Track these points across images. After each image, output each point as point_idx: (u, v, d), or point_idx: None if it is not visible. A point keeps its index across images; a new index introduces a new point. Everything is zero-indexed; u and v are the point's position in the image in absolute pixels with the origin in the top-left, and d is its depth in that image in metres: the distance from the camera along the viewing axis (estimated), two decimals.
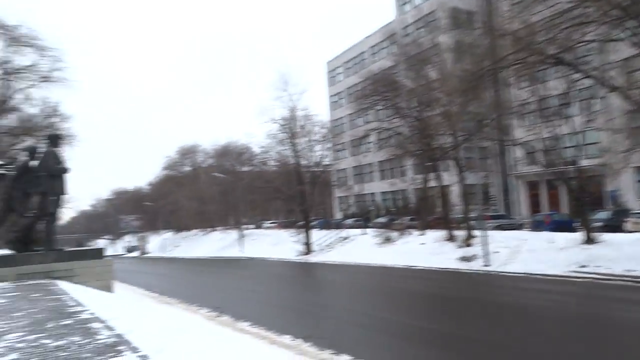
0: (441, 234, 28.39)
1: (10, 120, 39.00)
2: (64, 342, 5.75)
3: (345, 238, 38.46)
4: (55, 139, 13.14)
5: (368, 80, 34.10)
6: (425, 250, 27.09)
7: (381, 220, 42.80)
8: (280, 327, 11.29)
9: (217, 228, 72.84)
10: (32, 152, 13.37)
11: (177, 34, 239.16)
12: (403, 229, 33.37)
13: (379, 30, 53.88)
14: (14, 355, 5.23)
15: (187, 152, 75.06)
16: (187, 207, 73.05)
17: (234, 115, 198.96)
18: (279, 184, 38.62)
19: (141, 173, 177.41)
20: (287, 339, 10.31)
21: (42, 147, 13.46)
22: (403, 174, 49.60)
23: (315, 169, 40.43)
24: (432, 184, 32.99)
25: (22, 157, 13.48)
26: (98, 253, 13.52)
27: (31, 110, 39.37)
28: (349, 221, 48.88)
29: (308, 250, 37.63)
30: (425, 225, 32.67)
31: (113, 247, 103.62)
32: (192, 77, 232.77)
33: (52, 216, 12.88)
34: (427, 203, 36.26)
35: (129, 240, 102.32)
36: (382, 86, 32.06)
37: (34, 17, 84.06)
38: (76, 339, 5.87)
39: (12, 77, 34.32)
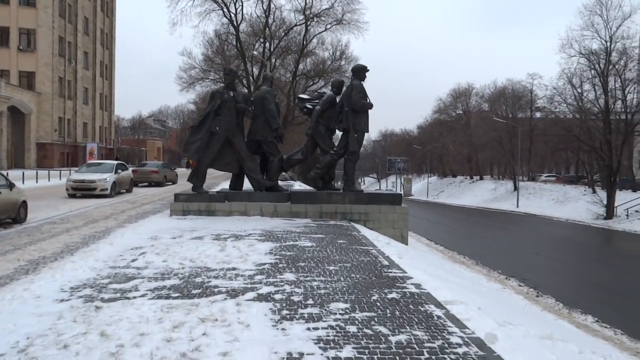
0: None
1: (306, 64, 42.85)
2: (405, 337, 4.08)
3: None
4: (360, 72, 12.07)
5: None
6: None
7: None
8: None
9: (485, 177, 68.58)
10: (338, 86, 12.74)
11: None
12: None
13: None
14: (349, 350, 3.77)
15: (460, 95, 71.18)
16: (455, 152, 70.54)
17: (518, 54, 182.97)
18: (578, 133, 32.06)
19: (410, 116, 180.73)
20: None
21: (347, 81, 12.69)
22: None
23: (629, 116, 31.97)
24: None
25: (328, 91, 12.99)
26: (397, 199, 12.35)
27: (322, 53, 42.36)
28: None
29: (610, 214, 30.75)
30: None
31: (377, 187, 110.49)
32: (467, 13, 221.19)
33: (354, 155, 12.14)
34: None
35: (393, 181, 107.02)
36: None
37: None
38: (419, 334, 4.15)
39: (310, 23, 37.00)
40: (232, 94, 11.96)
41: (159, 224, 10.26)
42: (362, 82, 12.07)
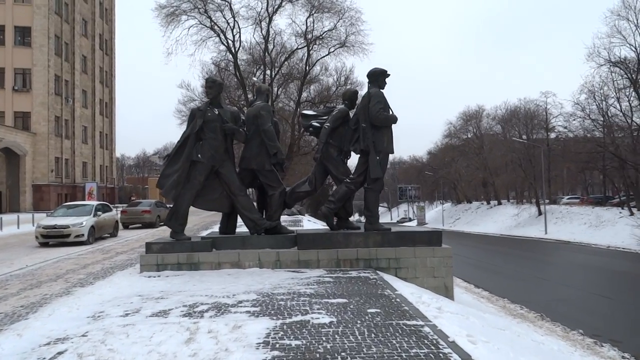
0: None
1: (310, 91, 40.68)
2: None
3: None
4: (378, 77, 9.40)
5: None
6: None
7: None
8: None
9: (502, 201, 65.25)
10: (351, 98, 10.12)
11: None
12: None
13: None
14: None
15: (471, 118, 68.25)
16: (470, 177, 67.46)
17: (528, 75, 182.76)
18: (614, 149, 29.16)
19: (419, 144, 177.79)
20: None
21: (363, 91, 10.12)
22: None
23: None
24: None
25: (339, 105, 10.35)
26: (435, 238, 9.51)
27: (327, 80, 40.19)
28: None
29: None
30: None
31: (388, 216, 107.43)
32: (476, 37, 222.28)
33: (377, 182, 9.39)
34: None
35: (405, 209, 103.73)
36: None
37: None
38: None
39: (312, 47, 34.94)
40: (217, 112, 9.37)
41: (118, 288, 7.49)
42: (381, 90, 9.44)
